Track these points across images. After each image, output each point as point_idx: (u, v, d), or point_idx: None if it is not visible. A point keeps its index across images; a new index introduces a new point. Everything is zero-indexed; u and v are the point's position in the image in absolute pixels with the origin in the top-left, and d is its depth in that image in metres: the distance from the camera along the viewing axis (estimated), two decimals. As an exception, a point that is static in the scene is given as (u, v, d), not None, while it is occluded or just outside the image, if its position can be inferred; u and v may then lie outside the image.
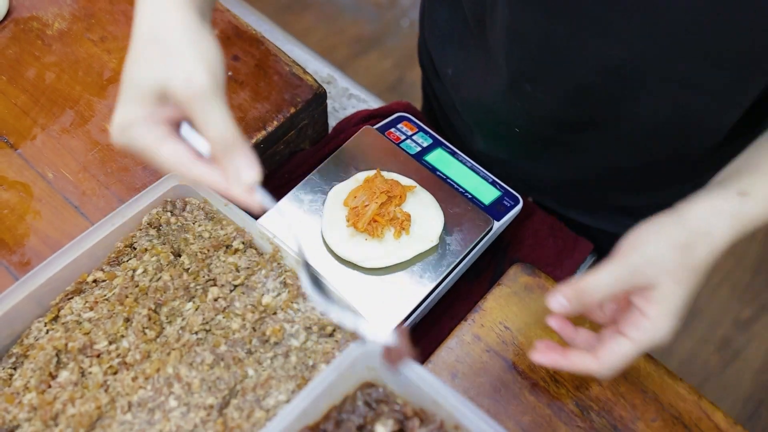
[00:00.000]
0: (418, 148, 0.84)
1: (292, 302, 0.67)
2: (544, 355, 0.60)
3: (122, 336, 0.65)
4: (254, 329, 0.65)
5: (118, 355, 0.64)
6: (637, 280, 0.55)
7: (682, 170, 0.80)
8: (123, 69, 0.53)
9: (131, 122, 0.52)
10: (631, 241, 0.56)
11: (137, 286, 0.68)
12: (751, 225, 0.56)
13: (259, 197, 0.52)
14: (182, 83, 0.49)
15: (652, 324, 0.55)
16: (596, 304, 0.57)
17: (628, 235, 0.57)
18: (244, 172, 0.51)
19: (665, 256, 0.54)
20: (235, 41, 0.86)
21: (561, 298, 0.56)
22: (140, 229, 0.70)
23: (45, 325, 0.66)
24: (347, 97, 0.99)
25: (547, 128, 0.79)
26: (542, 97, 0.74)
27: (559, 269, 0.86)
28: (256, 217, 0.72)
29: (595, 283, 0.55)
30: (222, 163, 0.51)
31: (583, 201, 0.92)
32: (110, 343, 0.65)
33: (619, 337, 0.56)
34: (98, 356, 0.65)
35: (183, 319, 0.66)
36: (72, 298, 0.67)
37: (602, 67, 0.66)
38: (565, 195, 0.92)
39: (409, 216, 0.75)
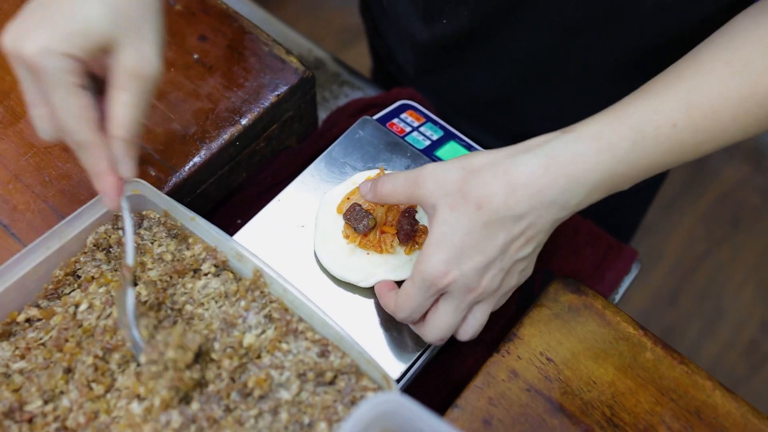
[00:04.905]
0: (427, 142, 0.76)
1: (280, 342, 0.55)
2: (378, 288, 0.61)
3: (62, 392, 0.54)
4: (233, 379, 0.54)
5: (56, 419, 0.53)
6: (420, 192, 0.54)
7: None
8: None
9: (66, 52, 0.49)
10: (445, 160, 0.56)
11: (81, 326, 0.57)
12: (575, 166, 0.51)
13: (123, 203, 0.55)
14: (138, 59, 0.52)
15: (421, 255, 0.53)
16: (385, 196, 0.58)
17: None
18: (123, 165, 0.54)
19: (451, 175, 0.53)
20: (202, 18, 0.75)
21: (369, 182, 0.60)
22: (85, 253, 0.60)
23: (-40, 383, 0.54)
24: (339, 84, 0.90)
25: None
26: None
27: (600, 283, 0.76)
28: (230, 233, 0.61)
29: (387, 178, 0.58)
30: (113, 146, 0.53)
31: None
32: (46, 402, 0.54)
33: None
34: (30, 421, 0.53)
35: (139, 369, 0.54)
36: (-4, 344, 0.56)
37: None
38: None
39: (427, 229, 0.66)
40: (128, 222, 0.55)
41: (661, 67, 0.57)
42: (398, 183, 0.56)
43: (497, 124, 0.88)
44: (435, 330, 0.56)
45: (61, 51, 0.49)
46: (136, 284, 0.56)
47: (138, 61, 0.51)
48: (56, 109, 0.50)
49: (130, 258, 0.54)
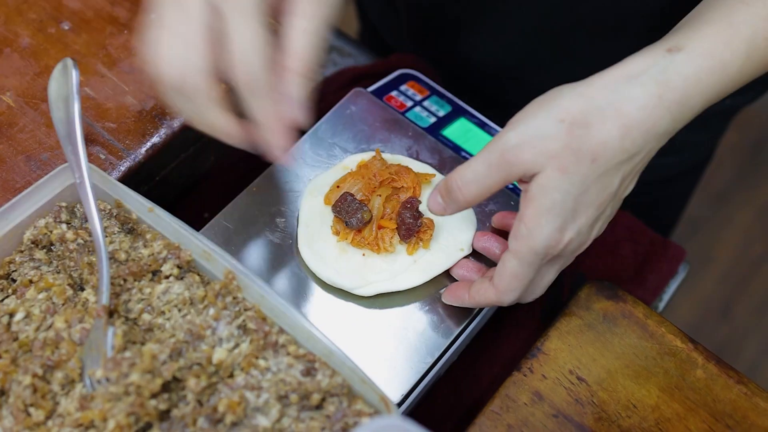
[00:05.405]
0: (433, 119, 0.79)
1: (257, 357, 0.57)
2: (451, 294, 0.64)
3: (-7, 420, 0.55)
4: (200, 403, 0.55)
5: (-14, 452, 0.55)
6: (518, 169, 0.55)
7: None
8: None
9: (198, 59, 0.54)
10: (517, 116, 0.56)
11: (16, 339, 0.58)
12: (688, 91, 0.54)
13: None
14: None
15: (525, 227, 0.55)
16: (473, 199, 0.57)
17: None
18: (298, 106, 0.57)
19: (549, 134, 0.53)
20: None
21: (436, 194, 0.59)
22: (21, 252, 0.62)
23: None
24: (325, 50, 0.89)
25: None
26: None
27: (642, 287, 0.79)
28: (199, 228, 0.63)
29: (462, 177, 0.56)
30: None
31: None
32: (-26, 433, 0.55)
33: (506, 252, 0.58)
34: (-45, 456, 0.54)
35: (87, 390, 0.56)
36: None
37: None
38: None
39: (433, 224, 0.68)
40: (103, 250, 0.57)
41: None
42: (481, 174, 0.56)
43: (503, 100, 0.90)
44: (537, 292, 0.61)
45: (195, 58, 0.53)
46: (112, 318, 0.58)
47: None
48: (236, 42, 0.53)
49: (104, 297, 0.56)
